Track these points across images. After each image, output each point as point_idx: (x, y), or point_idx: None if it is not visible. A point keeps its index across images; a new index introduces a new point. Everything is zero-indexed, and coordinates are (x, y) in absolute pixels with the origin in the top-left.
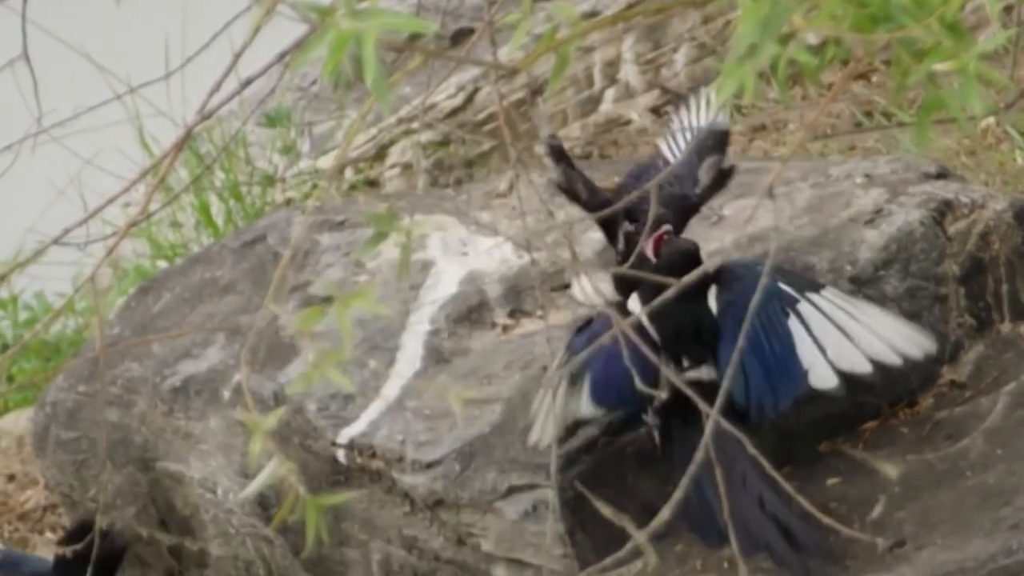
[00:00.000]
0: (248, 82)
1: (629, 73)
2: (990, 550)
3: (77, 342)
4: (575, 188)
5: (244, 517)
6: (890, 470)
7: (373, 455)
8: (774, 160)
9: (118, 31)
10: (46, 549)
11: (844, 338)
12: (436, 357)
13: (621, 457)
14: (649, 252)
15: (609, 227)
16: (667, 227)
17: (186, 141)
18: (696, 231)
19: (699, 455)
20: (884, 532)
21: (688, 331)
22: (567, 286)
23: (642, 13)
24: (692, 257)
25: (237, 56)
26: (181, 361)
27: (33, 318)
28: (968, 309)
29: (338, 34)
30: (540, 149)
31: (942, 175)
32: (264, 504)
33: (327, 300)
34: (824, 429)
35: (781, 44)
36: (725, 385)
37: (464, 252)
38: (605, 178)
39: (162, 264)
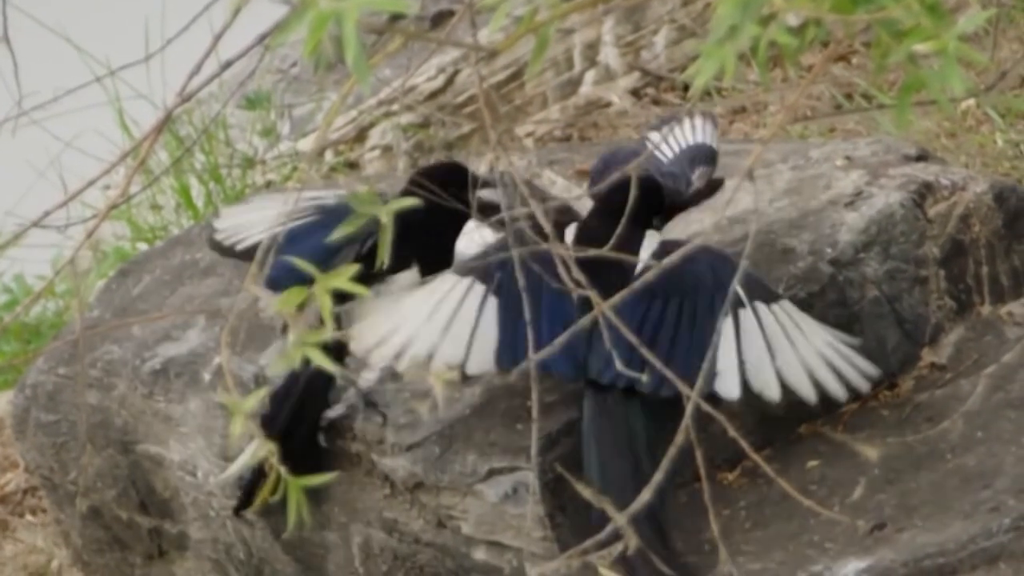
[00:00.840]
0: (228, 64)
1: (609, 55)
2: (970, 532)
3: (57, 325)
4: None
5: (224, 500)
6: (870, 452)
7: (353, 438)
8: (754, 142)
9: (98, 13)
10: (27, 532)
11: (769, 358)
12: None
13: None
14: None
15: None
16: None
17: (166, 123)
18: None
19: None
20: (864, 514)
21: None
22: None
23: None
24: (647, 185)
25: (217, 38)
26: (161, 343)
27: (13, 300)
28: (948, 291)
29: (318, 14)
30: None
31: (922, 157)
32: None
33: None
34: (804, 411)
35: (761, 25)
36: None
37: None
38: (584, 160)
39: (142, 246)
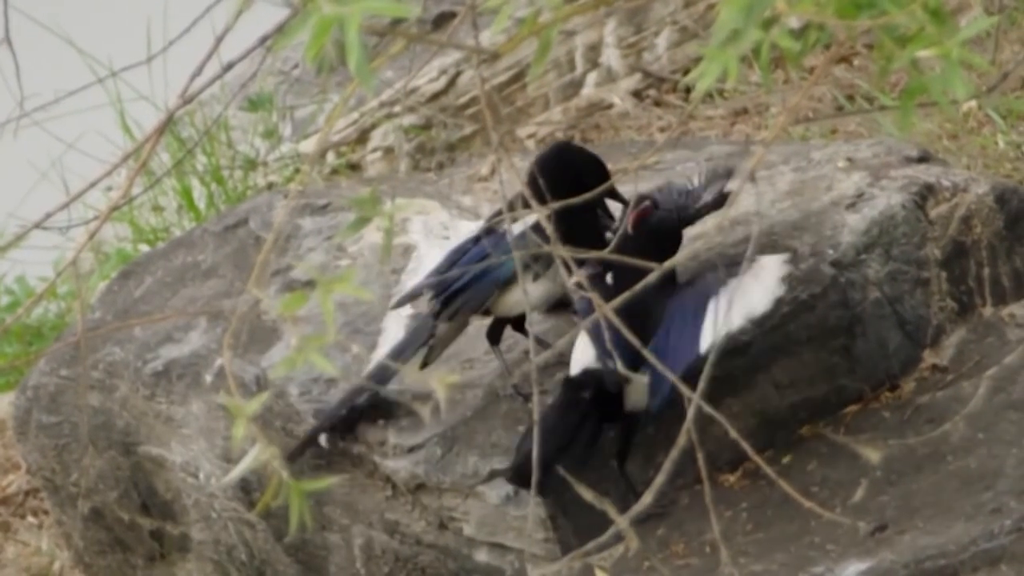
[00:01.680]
0: (230, 66)
1: (611, 57)
2: (971, 534)
3: (59, 326)
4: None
5: (226, 501)
6: (872, 454)
7: (355, 439)
8: (756, 144)
9: (100, 15)
10: (28, 534)
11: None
12: None
13: (603, 441)
14: (629, 225)
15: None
16: (647, 203)
17: (168, 125)
18: None
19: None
20: (866, 516)
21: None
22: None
23: None
24: (670, 232)
25: (219, 40)
26: (163, 345)
27: (15, 302)
28: (950, 293)
29: (321, 19)
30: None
31: (924, 159)
32: (246, 488)
33: (309, 284)
34: (806, 413)
35: (764, 28)
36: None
37: (446, 236)
38: None
39: (144, 248)
